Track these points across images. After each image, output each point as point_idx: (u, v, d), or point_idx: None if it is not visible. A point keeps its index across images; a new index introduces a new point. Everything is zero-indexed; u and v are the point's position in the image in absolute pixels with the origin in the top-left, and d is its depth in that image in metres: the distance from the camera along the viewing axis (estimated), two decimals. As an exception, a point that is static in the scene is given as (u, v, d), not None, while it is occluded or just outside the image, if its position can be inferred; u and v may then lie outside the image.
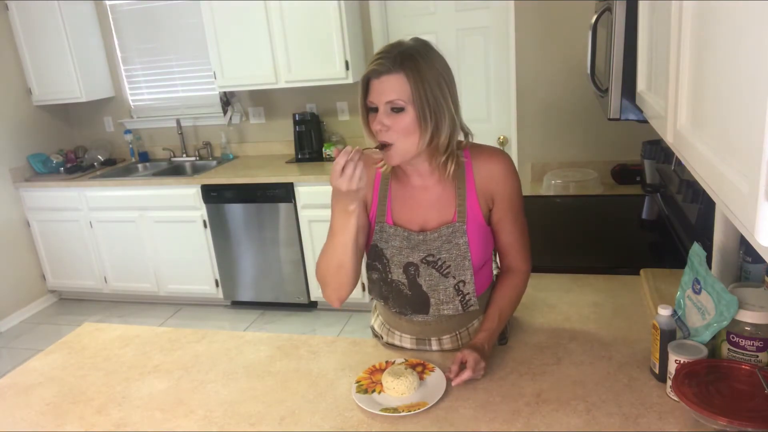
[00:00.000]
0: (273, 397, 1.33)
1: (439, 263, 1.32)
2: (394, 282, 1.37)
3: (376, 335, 1.54)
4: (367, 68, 1.20)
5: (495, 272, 1.47)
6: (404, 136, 1.20)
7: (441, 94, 1.19)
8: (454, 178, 1.31)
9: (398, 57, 1.17)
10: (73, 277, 4.27)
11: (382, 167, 1.35)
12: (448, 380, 1.28)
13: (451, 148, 1.25)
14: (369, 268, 1.40)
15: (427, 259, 1.33)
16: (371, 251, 1.38)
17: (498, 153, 1.34)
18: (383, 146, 1.22)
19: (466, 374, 1.24)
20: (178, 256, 3.93)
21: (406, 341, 1.46)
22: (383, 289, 1.39)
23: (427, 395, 1.26)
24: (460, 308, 1.36)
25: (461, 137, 1.30)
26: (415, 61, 1.17)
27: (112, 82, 4.37)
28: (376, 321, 1.55)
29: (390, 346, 1.49)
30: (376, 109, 1.21)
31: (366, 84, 1.22)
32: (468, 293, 1.34)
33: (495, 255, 1.46)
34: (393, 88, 1.17)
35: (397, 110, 1.19)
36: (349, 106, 3.94)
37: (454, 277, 1.33)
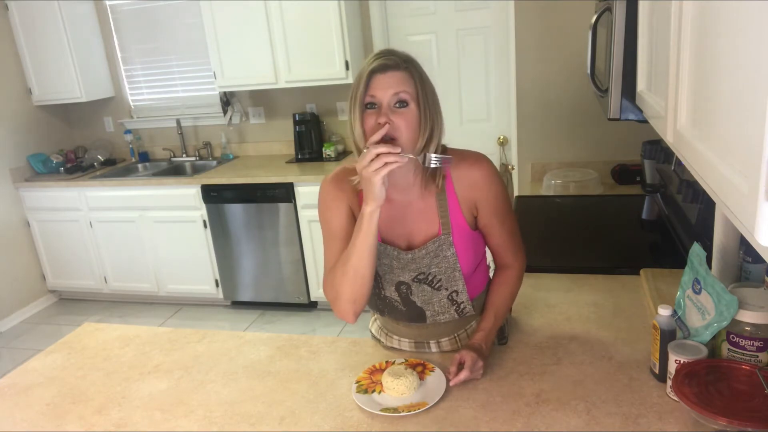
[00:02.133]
0: (273, 397, 1.33)
1: (430, 278, 1.33)
2: (388, 298, 1.38)
3: (375, 339, 1.54)
4: (369, 65, 1.18)
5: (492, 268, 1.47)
6: (407, 131, 1.18)
7: (435, 100, 1.24)
8: (433, 188, 1.29)
9: (401, 58, 1.21)
10: (73, 277, 4.27)
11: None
12: (448, 380, 1.28)
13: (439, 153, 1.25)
14: None
15: (419, 277, 1.33)
16: None
17: (477, 159, 1.31)
18: (387, 140, 1.19)
19: (463, 374, 1.24)
20: (178, 256, 3.93)
21: (405, 344, 1.46)
22: (378, 303, 1.41)
23: (427, 395, 1.26)
24: (456, 316, 1.37)
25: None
26: (416, 64, 1.23)
27: (112, 82, 4.37)
28: (373, 325, 1.55)
29: (389, 348, 1.49)
30: (372, 107, 1.19)
31: (367, 80, 1.18)
32: (462, 302, 1.35)
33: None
34: (400, 82, 1.18)
35: (401, 105, 1.18)
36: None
37: (446, 289, 1.33)
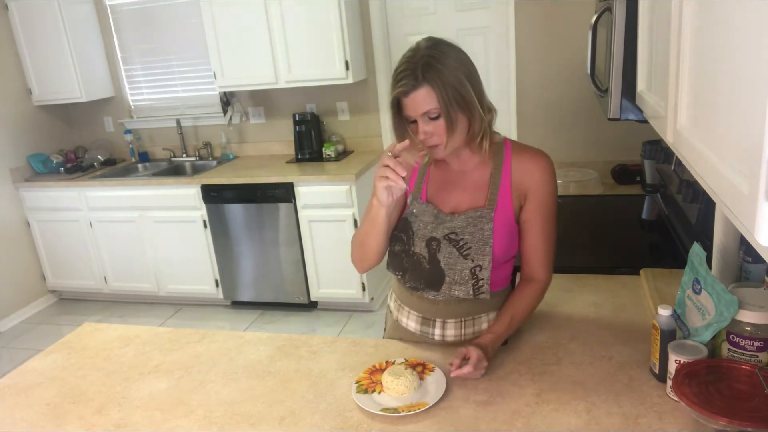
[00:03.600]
0: (273, 397, 1.33)
1: (461, 243, 1.35)
2: (416, 255, 1.40)
3: (390, 312, 1.59)
4: (393, 89, 1.26)
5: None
6: (444, 137, 1.28)
7: (465, 90, 1.25)
8: (490, 165, 1.36)
9: (419, 71, 1.22)
10: (73, 277, 4.27)
11: (424, 155, 1.41)
12: (449, 380, 1.28)
13: (484, 127, 1.31)
14: (393, 239, 1.43)
15: (450, 236, 1.36)
16: (400, 223, 1.43)
17: (540, 153, 1.39)
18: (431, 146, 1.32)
19: (467, 369, 1.24)
20: (178, 256, 3.93)
21: (413, 319, 1.48)
22: (404, 261, 1.42)
23: (427, 395, 1.26)
24: (471, 292, 1.37)
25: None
26: (436, 70, 1.23)
27: (112, 82, 4.37)
28: (391, 298, 1.59)
29: (391, 335, 1.53)
30: (415, 120, 1.28)
31: (397, 102, 1.28)
32: (482, 279, 1.35)
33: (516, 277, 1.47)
34: (423, 100, 1.24)
35: (434, 117, 1.26)
36: (349, 106, 3.94)
37: (472, 260, 1.35)
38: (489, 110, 1.32)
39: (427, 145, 1.31)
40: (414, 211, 1.42)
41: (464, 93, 1.24)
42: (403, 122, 1.31)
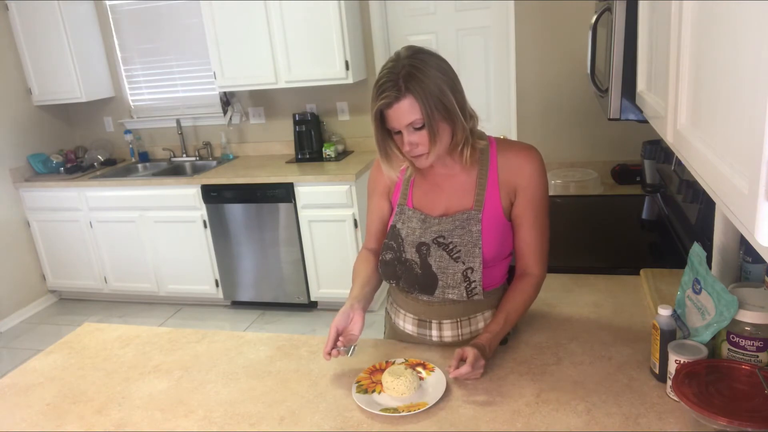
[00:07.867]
0: (273, 397, 1.33)
1: (450, 246, 1.35)
2: (408, 261, 1.40)
3: (388, 313, 1.59)
4: (375, 101, 1.25)
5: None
6: (430, 145, 1.28)
7: (448, 100, 1.24)
8: (476, 167, 1.36)
9: (401, 81, 1.21)
10: (73, 277, 4.27)
11: (407, 168, 1.42)
12: (448, 380, 1.28)
13: (466, 135, 1.30)
14: (384, 248, 1.43)
15: (438, 240, 1.36)
16: (390, 232, 1.43)
17: (527, 148, 1.38)
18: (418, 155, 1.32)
19: (464, 368, 1.24)
20: (178, 256, 3.93)
21: (409, 321, 1.48)
22: (397, 268, 1.42)
23: (427, 395, 1.26)
24: (464, 295, 1.37)
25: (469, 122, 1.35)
26: (417, 79, 1.22)
27: (112, 82, 4.37)
28: (388, 302, 1.60)
29: (391, 337, 1.54)
30: (399, 132, 1.28)
31: (380, 114, 1.27)
32: (474, 281, 1.35)
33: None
34: (407, 111, 1.23)
35: (419, 128, 1.25)
36: (349, 106, 3.94)
37: (463, 263, 1.35)
38: (471, 117, 1.32)
39: (412, 156, 1.30)
40: (401, 217, 1.41)
41: (446, 102, 1.24)
42: (386, 134, 1.30)
